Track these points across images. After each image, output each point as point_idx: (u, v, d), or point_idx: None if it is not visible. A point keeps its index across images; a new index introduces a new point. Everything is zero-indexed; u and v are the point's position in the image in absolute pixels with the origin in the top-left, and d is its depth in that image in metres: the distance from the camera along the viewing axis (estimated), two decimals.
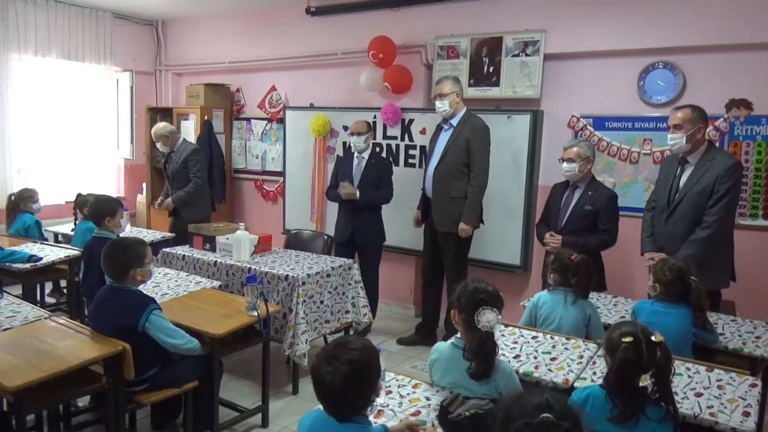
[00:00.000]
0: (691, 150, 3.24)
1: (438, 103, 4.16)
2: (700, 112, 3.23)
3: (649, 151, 4.20)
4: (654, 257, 3.19)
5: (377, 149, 5.13)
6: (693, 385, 2.17)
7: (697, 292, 2.62)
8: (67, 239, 4.86)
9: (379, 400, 2.03)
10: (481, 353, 2.03)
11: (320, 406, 1.71)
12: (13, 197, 4.83)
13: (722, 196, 3.12)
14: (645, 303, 2.75)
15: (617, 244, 3.65)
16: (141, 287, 2.86)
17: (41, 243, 4.43)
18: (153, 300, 2.75)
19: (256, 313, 3.02)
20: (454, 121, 4.19)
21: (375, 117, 5.24)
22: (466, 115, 4.20)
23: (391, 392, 2.15)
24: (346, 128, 5.45)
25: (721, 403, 2.04)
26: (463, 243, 4.26)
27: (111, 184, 6.67)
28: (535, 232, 4.01)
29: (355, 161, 4.58)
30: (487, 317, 1.99)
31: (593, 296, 3.19)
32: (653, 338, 1.82)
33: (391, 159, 5.10)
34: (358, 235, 4.49)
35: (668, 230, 3.30)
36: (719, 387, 2.16)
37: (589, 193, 3.60)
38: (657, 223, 3.40)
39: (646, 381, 1.82)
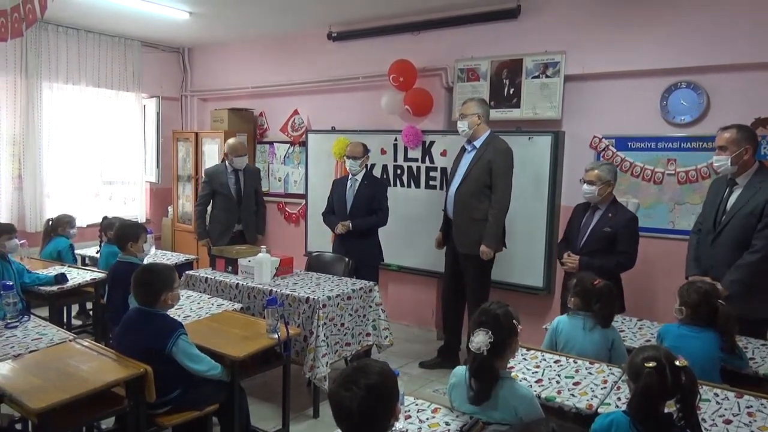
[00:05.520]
0: (739, 171, 3.15)
1: (459, 123, 4.18)
2: (747, 132, 3.14)
3: (673, 172, 4.14)
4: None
5: (369, 169, 4.92)
6: (721, 412, 2.10)
7: (724, 315, 2.55)
8: (94, 261, 4.95)
9: (399, 425, 2.01)
10: (472, 375, 2.01)
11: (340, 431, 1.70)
12: (51, 222, 4.94)
13: None
14: (671, 326, 2.69)
15: (644, 267, 3.56)
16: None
17: (68, 266, 4.51)
18: (181, 325, 2.79)
19: (276, 336, 3.03)
20: (478, 143, 4.15)
21: (396, 139, 5.28)
22: (489, 137, 4.15)
23: (410, 417, 2.12)
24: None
25: (751, 431, 1.97)
26: (485, 265, 4.20)
27: (138, 208, 6.79)
28: (556, 251, 3.96)
29: (349, 183, 4.60)
30: (478, 338, 1.96)
31: (617, 318, 3.12)
32: (677, 363, 1.77)
33: (386, 179, 5.07)
34: (352, 256, 4.42)
35: (713, 253, 3.18)
36: (749, 414, 2.09)
37: (609, 215, 3.55)
38: (702, 245, 3.28)
39: (671, 407, 1.77)
